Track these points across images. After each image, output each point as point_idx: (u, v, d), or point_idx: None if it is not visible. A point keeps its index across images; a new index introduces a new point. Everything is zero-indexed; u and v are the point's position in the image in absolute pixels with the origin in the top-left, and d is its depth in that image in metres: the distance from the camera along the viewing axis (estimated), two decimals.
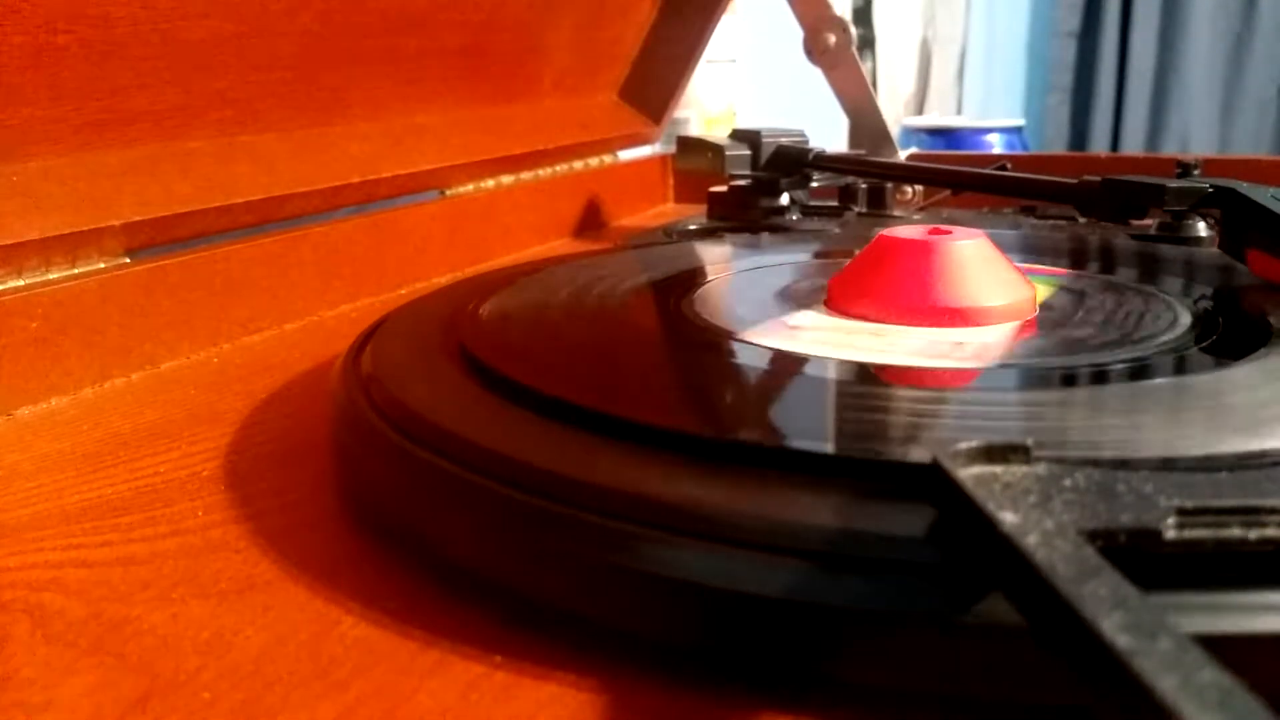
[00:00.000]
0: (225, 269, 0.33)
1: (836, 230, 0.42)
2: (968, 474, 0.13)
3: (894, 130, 0.56)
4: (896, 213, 0.47)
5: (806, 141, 0.46)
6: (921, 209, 0.48)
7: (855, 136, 0.53)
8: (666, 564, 0.14)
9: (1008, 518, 0.12)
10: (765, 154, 0.45)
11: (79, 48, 0.28)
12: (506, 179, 0.49)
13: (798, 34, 0.53)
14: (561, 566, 0.15)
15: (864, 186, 0.47)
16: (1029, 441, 0.14)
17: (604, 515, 0.15)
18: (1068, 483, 0.13)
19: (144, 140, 0.32)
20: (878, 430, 0.17)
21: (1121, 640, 0.09)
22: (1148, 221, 0.39)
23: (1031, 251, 0.33)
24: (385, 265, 0.40)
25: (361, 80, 0.40)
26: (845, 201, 0.47)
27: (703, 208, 0.48)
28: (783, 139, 0.45)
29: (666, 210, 0.61)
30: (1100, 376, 0.20)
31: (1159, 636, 0.09)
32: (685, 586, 0.14)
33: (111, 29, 0.29)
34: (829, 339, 0.23)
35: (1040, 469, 0.13)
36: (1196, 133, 2.04)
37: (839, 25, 0.52)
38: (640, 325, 0.26)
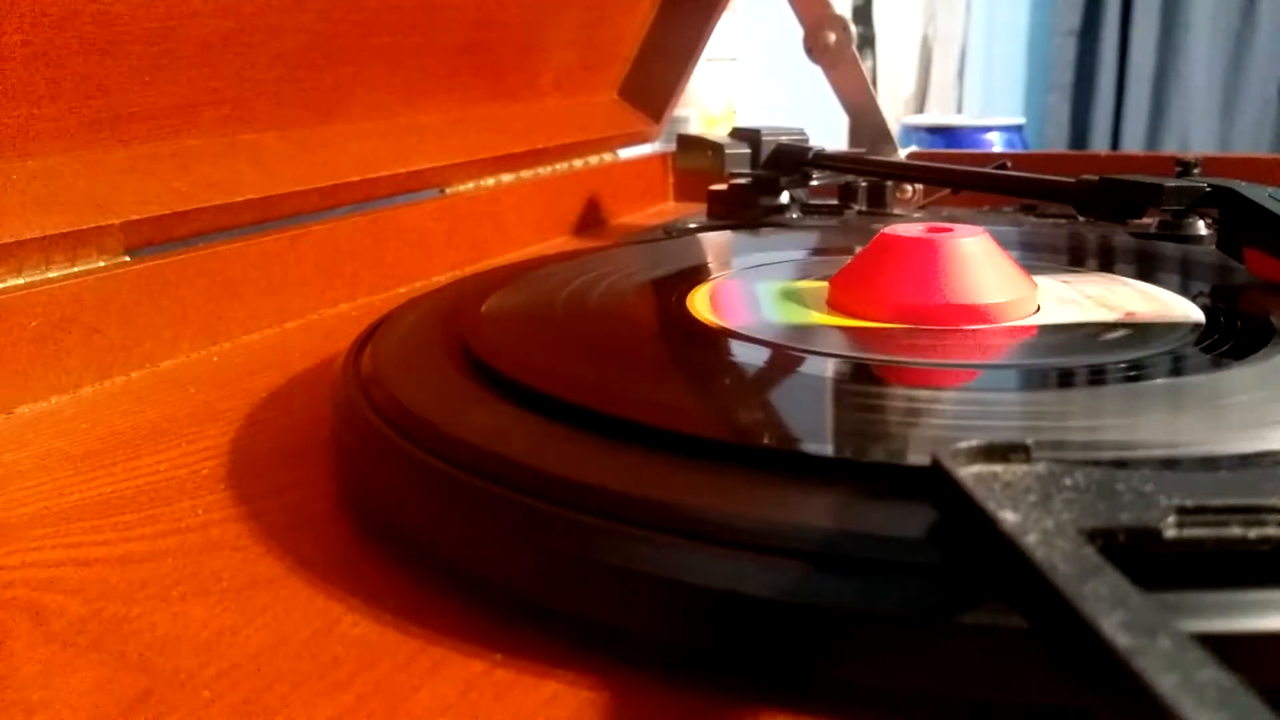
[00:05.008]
0: (225, 267, 0.33)
1: (837, 228, 0.42)
2: (968, 473, 0.13)
3: (894, 129, 0.56)
4: (897, 211, 0.47)
5: (806, 140, 0.46)
6: (922, 207, 0.48)
7: (855, 135, 0.53)
8: (666, 565, 0.14)
9: (1008, 517, 0.12)
10: (765, 152, 0.45)
11: (79, 47, 0.28)
12: (506, 177, 0.49)
13: (798, 32, 0.53)
14: (561, 567, 0.15)
15: (864, 185, 0.47)
16: (1029, 441, 0.14)
17: (603, 516, 0.15)
18: (1068, 482, 0.13)
19: (144, 139, 0.32)
20: (878, 430, 0.17)
21: (1122, 639, 0.09)
22: (1147, 220, 0.39)
23: (1032, 249, 0.33)
24: (385, 264, 0.40)
25: (361, 79, 0.40)
26: (845, 200, 0.47)
27: (703, 206, 0.48)
28: (783, 137, 0.45)
29: (666, 209, 0.61)
30: (1100, 376, 0.20)
31: (1159, 635, 0.09)
32: (685, 587, 0.14)
33: (111, 28, 0.29)
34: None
35: (1040, 468, 0.13)
36: (1196, 131, 2.04)
37: (839, 24, 0.52)
38: (640, 324, 0.26)
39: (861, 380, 0.21)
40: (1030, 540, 0.11)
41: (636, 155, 0.61)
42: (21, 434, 0.25)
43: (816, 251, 0.34)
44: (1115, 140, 2.10)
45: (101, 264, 0.30)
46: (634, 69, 0.59)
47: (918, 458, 0.15)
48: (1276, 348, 0.21)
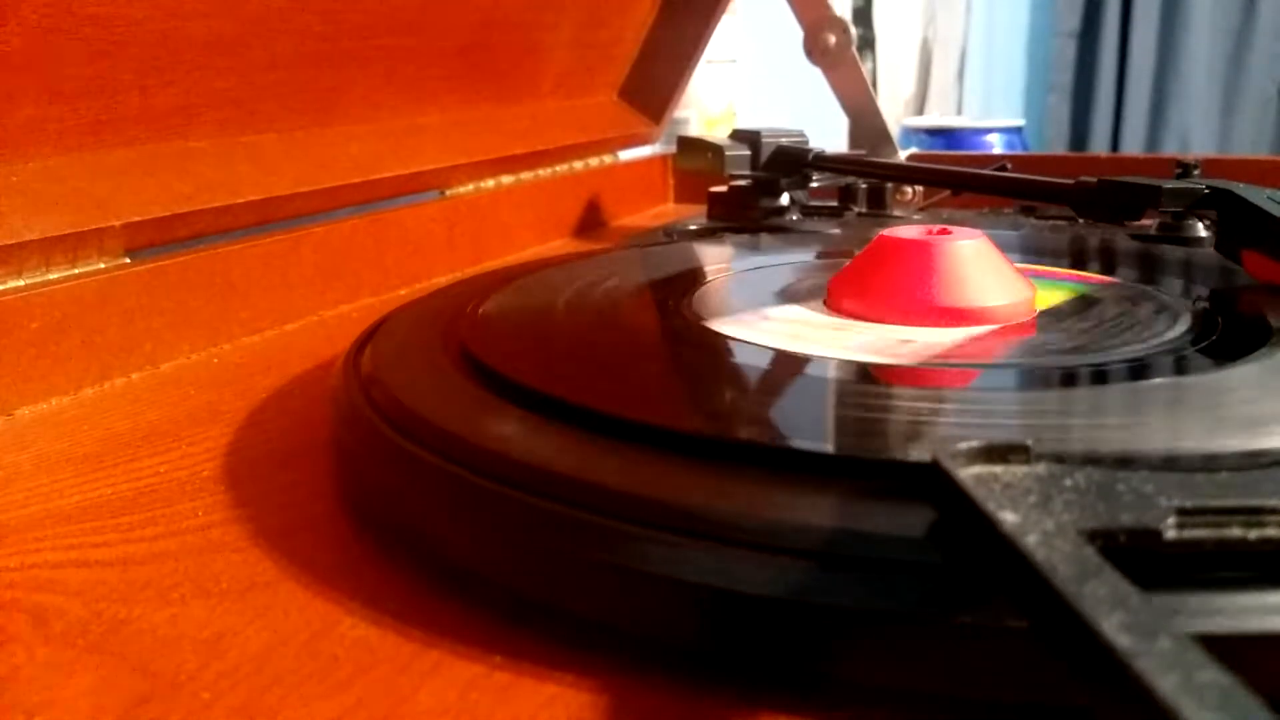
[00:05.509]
0: (225, 269, 0.33)
1: (836, 230, 0.42)
2: (968, 474, 0.13)
3: (894, 130, 0.56)
4: (896, 213, 0.47)
5: (806, 142, 0.46)
6: (921, 209, 0.48)
7: (855, 137, 0.53)
8: (665, 564, 0.14)
9: (1008, 518, 0.12)
10: (765, 154, 0.45)
11: (79, 48, 0.28)
12: (506, 179, 0.49)
13: (798, 34, 0.53)
14: (561, 566, 0.15)
15: (864, 187, 0.47)
16: (1029, 441, 0.14)
17: (603, 515, 0.15)
18: (1068, 483, 0.13)
19: (144, 140, 0.32)
20: (877, 430, 0.17)
21: (1122, 640, 0.09)
22: (1147, 222, 0.39)
23: (1031, 252, 0.33)
24: (385, 265, 0.40)
25: (361, 80, 0.40)
26: (845, 202, 0.47)
27: (703, 208, 0.48)
28: (783, 139, 0.45)
29: (666, 210, 0.61)
30: (1100, 376, 0.20)
31: (1159, 636, 0.09)
32: (684, 586, 0.14)
33: (111, 29, 0.29)
34: (792, 331, 0.23)
35: (1040, 469, 0.13)
36: (1196, 132, 2.04)
37: (839, 25, 0.52)
38: (640, 325, 0.26)
39: (861, 381, 0.21)
40: (1030, 541, 0.11)
41: (636, 157, 0.61)
42: (22, 435, 0.25)
43: (816, 253, 0.34)
44: (1115, 142, 2.11)
45: (102, 265, 0.30)
46: (634, 70, 0.59)
47: (918, 457, 0.15)
48: (1274, 349, 0.21)
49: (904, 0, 1.54)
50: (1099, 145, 2.10)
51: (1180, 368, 0.21)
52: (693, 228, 0.45)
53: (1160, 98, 2.06)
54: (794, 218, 0.45)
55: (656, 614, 0.14)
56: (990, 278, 0.24)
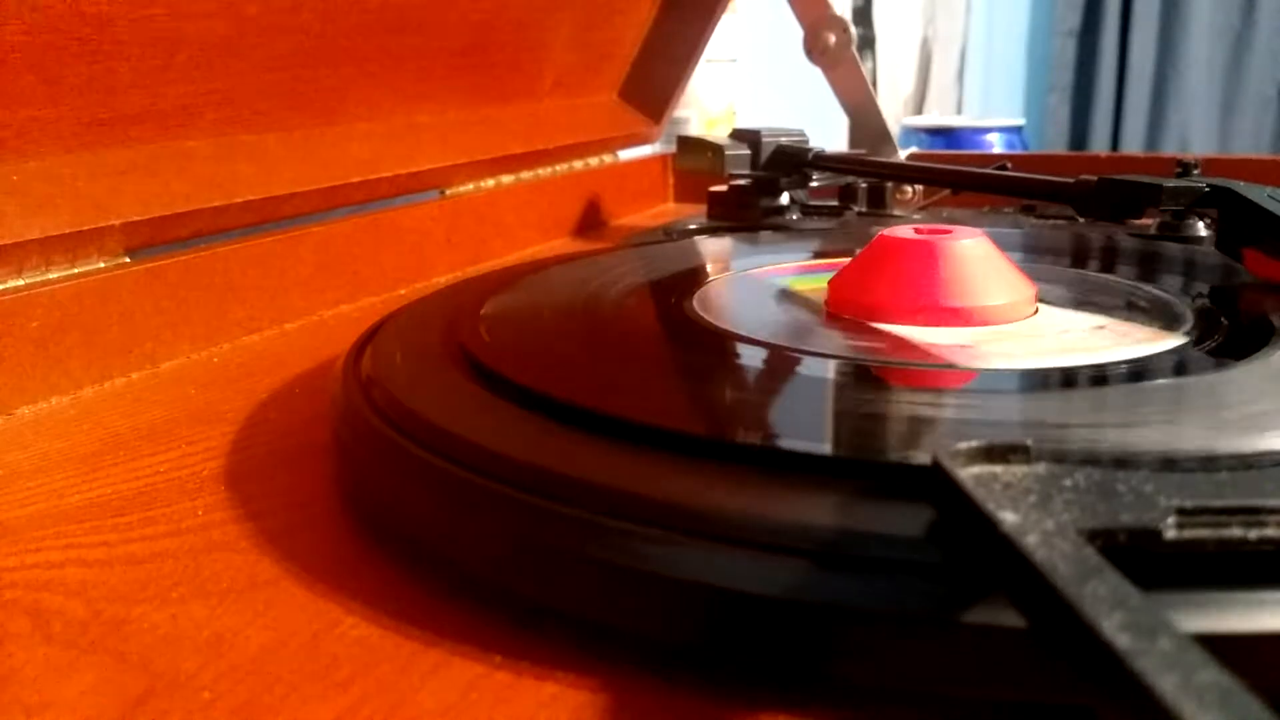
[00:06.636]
0: (225, 268, 0.33)
1: (836, 230, 0.42)
2: (968, 474, 0.13)
3: (894, 130, 0.56)
4: (896, 212, 0.47)
5: (806, 141, 0.46)
6: (921, 209, 0.48)
7: (855, 136, 0.53)
8: (665, 564, 0.14)
9: (1008, 517, 0.12)
10: (765, 153, 0.45)
11: (79, 48, 0.28)
12: (507, 178, 0.49)
13: (798, 33, 0.53)
14: (561, 566, 0.15)
15: (864, 186, 0.47)
16: (1029, 441, 0.14)
17: (604, 515, 0.15)
18: (1068, 482, 0.13)
19: (144, 140, 0.32)
20: (877, 430, 0.17)
21: (1122, 640, 0.09)
22: (1147, 221, 0.39)
23: (1032, 250, 0.33)
24: (385, 265, 0.40)
25: (361, 80, 0.40)
26: (845, 201, 0.47)
27: (702, 207, 0.48)
28: (782, 138, 0.45)
29: (666, 210, 0.61)
30: (1101, 376, 0.20)
31: (1159, 636, 0.09)
32: (684, 586, 0.14)
33: (111, 29, 0.29)
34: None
35: (1040, 469, 0.13)
36: (1196, 132, 2.04)
37: (839, 25, 0.52)
38: (640, 325, 0.26)
39: (861, 381, 0.21)
40: (1030, 541, 0.11)
41: (637, 156, 0.61)
42: (22, 435, 0.25)
43: (816, 253, 0.34)
44: (1115, 141, 2.11)
45: (102, 265, 0.30)
46: (634, 70, 0.59)
47: (918, 458, 0.15)
48: (1276, 348, 0.21)
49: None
50: (1099, 145, 2.10)
51: (1181, 367, 0.21)
52: (692, 227, 0.45)
53: (1160, 97, 2.06)
54: (794, 217, 0.45)
55: (656, 614, 0.14)
56: (992, 277, 0.24)
